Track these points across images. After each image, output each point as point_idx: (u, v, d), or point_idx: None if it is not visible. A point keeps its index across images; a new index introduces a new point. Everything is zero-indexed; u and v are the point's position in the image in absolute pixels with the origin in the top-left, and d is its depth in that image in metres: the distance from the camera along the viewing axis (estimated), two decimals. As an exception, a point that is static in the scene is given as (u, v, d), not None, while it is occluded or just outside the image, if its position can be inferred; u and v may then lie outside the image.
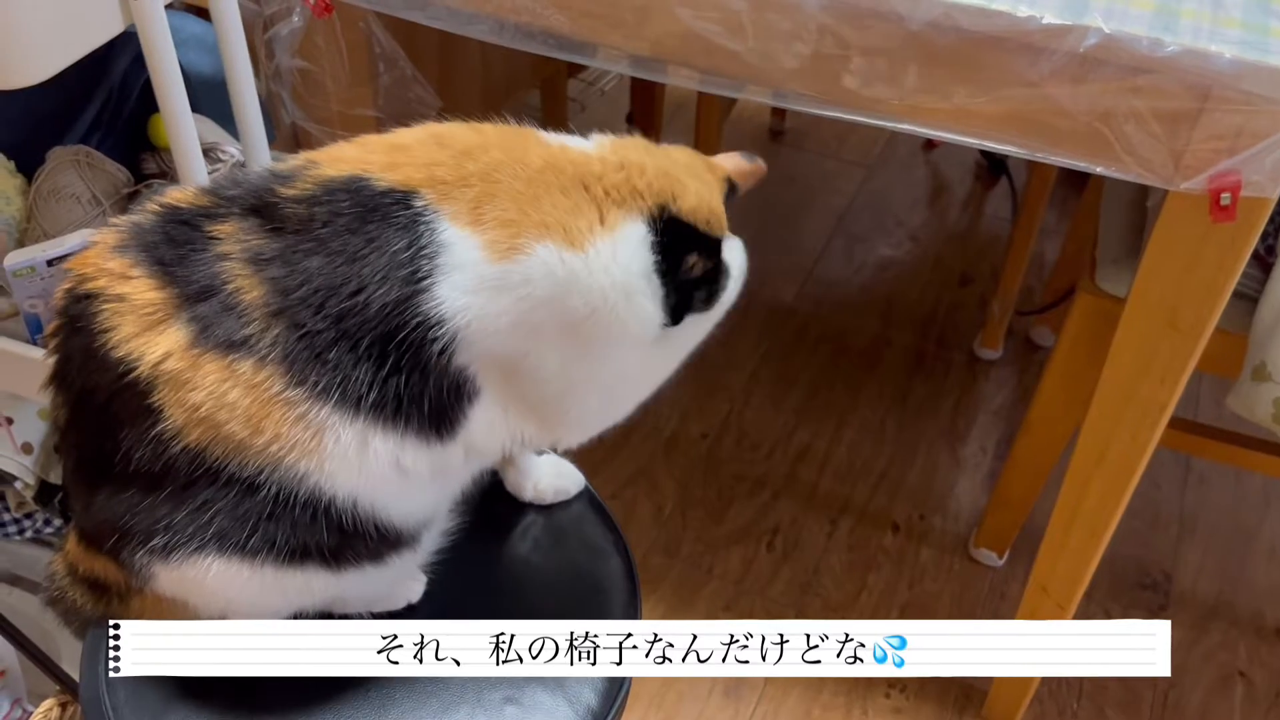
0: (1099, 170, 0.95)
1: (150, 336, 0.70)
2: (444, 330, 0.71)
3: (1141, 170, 0.94)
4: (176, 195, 0.75)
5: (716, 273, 0.81)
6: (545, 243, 0.72)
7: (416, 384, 0.72)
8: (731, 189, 0.86)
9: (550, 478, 0.97)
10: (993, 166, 2.45)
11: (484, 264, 0.71)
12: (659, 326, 0.78)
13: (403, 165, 0.74)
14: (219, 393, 0.69)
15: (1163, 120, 0.91)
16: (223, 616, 0.79)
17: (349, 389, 0.70)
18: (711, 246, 0.81)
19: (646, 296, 0.77)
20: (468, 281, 0.71)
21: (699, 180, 0.82)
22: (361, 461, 0.72)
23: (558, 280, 0.73)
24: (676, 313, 0.79)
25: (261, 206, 0.73)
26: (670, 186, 0.79)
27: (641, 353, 0.80)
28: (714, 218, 0.81)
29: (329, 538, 0.74)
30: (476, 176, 0.73)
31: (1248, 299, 1.27)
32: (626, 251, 0.75)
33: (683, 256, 0.78)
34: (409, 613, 0.88)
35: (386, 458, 0.73)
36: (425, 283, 0.70)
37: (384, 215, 0.71)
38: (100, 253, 0.73)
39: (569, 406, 0.81)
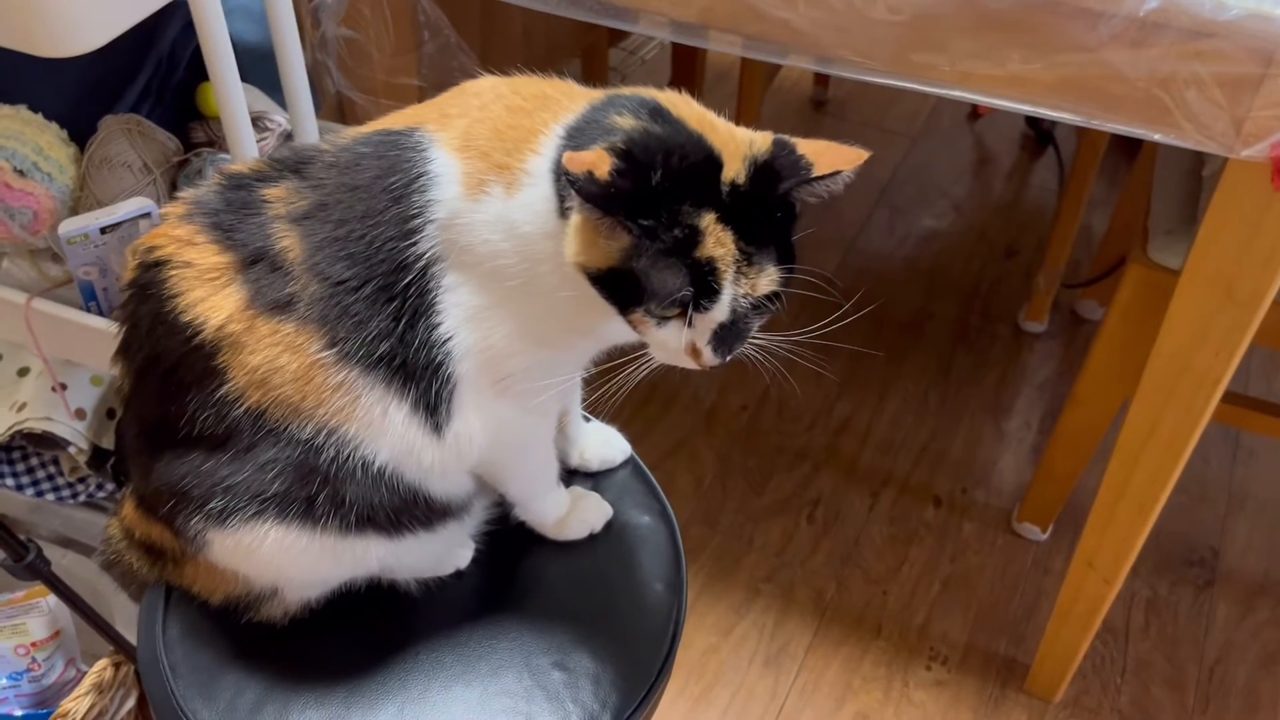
0: (1157, 138, 0.93)
1: (215, 300, 0.71)
2: (428, 269, 0.71)
3: (1201, 138, 0.91)
4: (237, 166, 0.77)
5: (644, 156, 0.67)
6: (499, 182, 0.71)
7: (411, 337, 0.71)
8: (787, 147, 0.71)
9: (597, 446, 0.97)
10: (1039, 137, 2.41)
11: (458, 200, 0.71)
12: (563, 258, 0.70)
13: (423, 111, 0.75)
14: (271, 356, 0.71)
15: (1225, 86, 0.89)
16: (273, 586, 0.81)
17: (367, 344, 0.71)
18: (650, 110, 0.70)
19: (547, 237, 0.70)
20: (445, 214, 0.71)
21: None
22: (387, 430, 0.73)
23: (504, 225, 0.71)
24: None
25: (304, 162, 0.74)
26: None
27: (560, 303, 0.73)
28: (685, 106, 0.72)
29: (390, 500, 0.75)
30: (476, 107, 0.73)
31: (1306, 271, 1.24)
32: (534, 193, 0.70)
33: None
34: (457, 579, 0.89)
35: (403, 431, 0.73)
36: (417, 221, 0.71)
37: (393, 149, 0.72)
38: (170, 223, 0.75)
39: (507, 371, 0.76)
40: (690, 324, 0.69)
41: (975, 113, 2.49)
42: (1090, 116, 0.96)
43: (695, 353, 0.72)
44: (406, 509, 0.77)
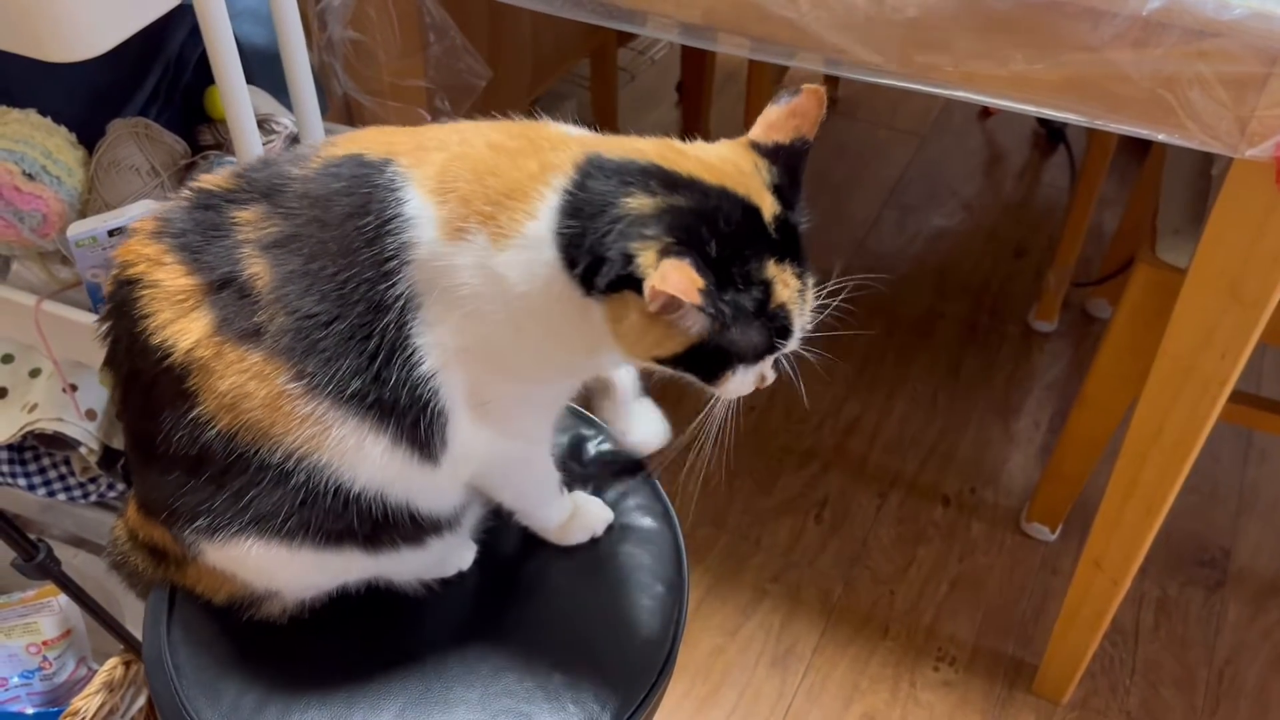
0: (1161, 138, 0.93)
1: (183, 323, 0.70)
2: (406, 308, 0.69)
3: (1206, 137, 0.91)
4: (208, 179, 0.75)
5: (691, 212, 0.66)
6: (483, 231, 0.68)
7: (388, 375, 0.69)
8: (778, 150, 0.72)
9: (638, 426, 0.96)
10: (1051, 135, 2.40)
11: (435, 243, 0.68)
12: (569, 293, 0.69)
13: (397, 141, 0.72)
14: (239, 382, 0.69)
15: (1229, 86, 0.88)
16: (269, 588, 0.81)
17: (338, 380, 0.69)
18: (680, 183, 0.67)
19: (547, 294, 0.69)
20: (422, 256, 0.68)
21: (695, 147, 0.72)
22: (364, 460, 0.71)
23: (486, 274, 0.68)
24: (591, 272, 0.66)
25: (275, 189, 0.72)
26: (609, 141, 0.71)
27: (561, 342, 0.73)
28: (683, 159, 0.69)
29: (361, 525, 0.74)
30: (455, 142, 0.71)
31: (1315, 270, 1.23)
32: (531, 255, 0.68)
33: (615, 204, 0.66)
34: (458, 579, 0.89)
35: (382, 460, 0.72)
36: (393, 263, 0.68)
37: (364, 186, 0.70)
38: (140, 239, 0.74)
39: (488, 399, 0.74)
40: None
41: (986, 111, 2.48)
42: (1094, 117, 0.95)
43: (761, 378, 0.73)
44: (386, 529, 0.76)
